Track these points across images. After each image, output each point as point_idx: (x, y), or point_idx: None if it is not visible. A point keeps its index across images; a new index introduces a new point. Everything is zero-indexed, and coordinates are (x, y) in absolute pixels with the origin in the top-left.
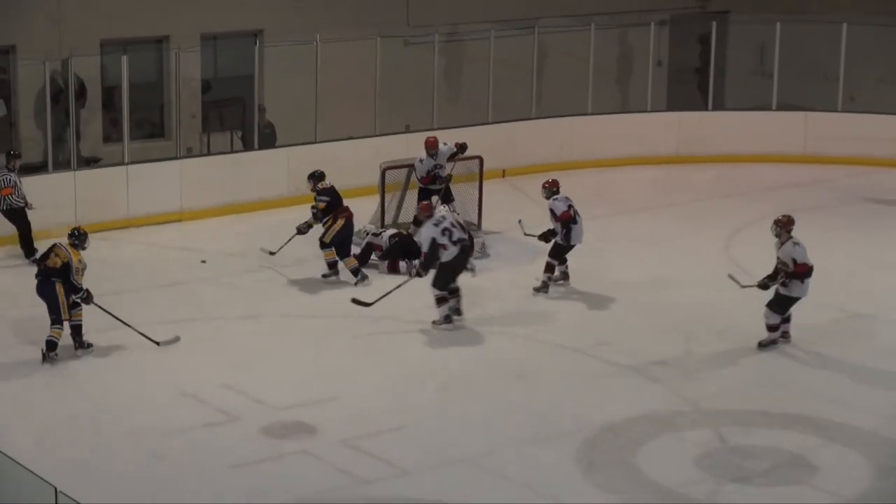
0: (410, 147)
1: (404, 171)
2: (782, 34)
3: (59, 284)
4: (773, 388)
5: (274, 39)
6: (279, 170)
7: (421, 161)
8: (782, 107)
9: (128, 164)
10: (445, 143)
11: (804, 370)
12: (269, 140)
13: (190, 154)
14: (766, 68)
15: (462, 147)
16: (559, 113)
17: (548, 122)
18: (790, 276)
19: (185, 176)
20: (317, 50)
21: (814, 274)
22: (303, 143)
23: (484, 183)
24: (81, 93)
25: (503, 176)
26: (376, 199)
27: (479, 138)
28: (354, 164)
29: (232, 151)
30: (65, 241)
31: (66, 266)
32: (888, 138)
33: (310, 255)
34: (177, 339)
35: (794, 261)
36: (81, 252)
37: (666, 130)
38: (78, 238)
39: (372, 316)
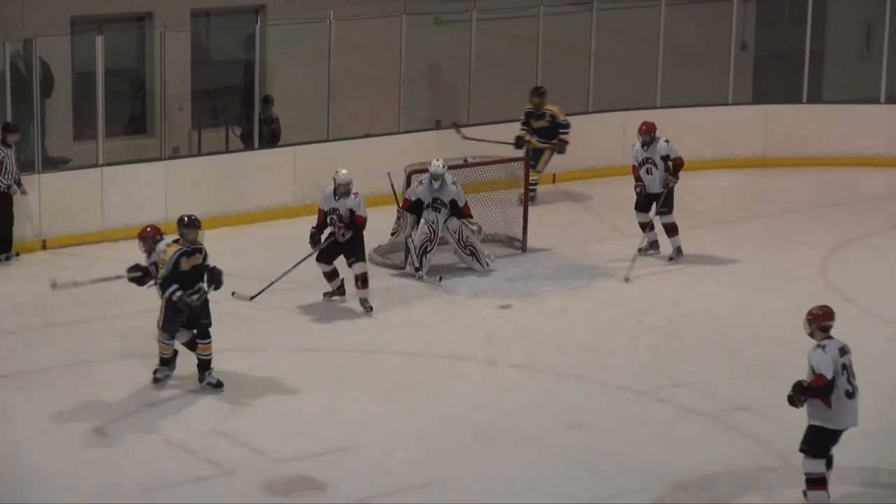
0: (441, 146)
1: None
2: (893, 12)
3: None
4: (883, 440)
5: (278, 17)
6: (284, 173)
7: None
8: (892, 100)
9: (103, 165)
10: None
11: None
12: (273, 137)
13: (177, 154)
14: (872, 53)
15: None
16: (621, 106)
17: (607, 116)
18: (804, 392)
19: (172, 180)
20: (330, 29)
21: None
22: (312, 142)
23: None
24: (47, 80)
25: (554, 182)
26: (392, 210)
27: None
28: (374, 167)
29: (227, 151)
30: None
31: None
32: None
33: (318, 273)
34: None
35: (813, 370)
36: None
37: (751, 127)
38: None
39: (396, 350)
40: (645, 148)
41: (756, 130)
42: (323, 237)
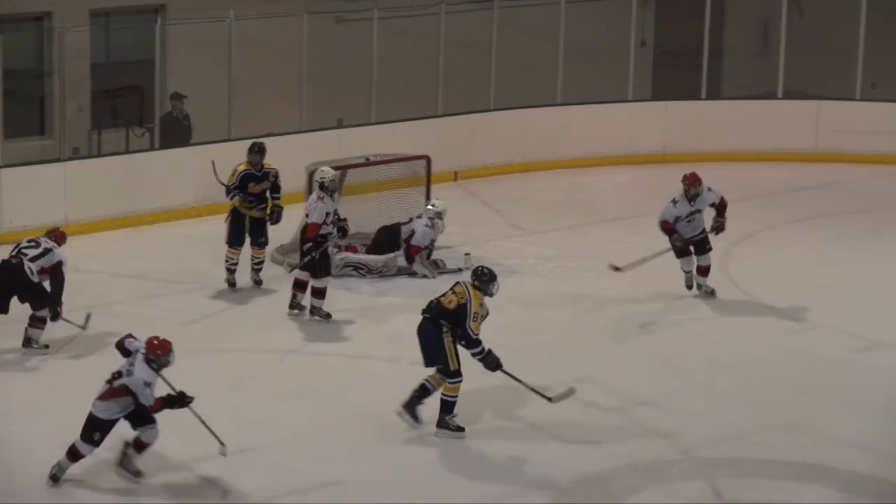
0: (343, 145)
1: (336, 174)
2: (790, 9)
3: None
4: (782, 432)
5: (178, 16)
6: (185, 173)
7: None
8: (790, 95)
9: (1, 167)
10: None
11: (821, 410)
12: (185, 135)
13: (77, 155)
14: (770, 49)
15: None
16: (522, 104)
17: (509, 114)
18: None
19: (71, 181)
20: (230, 29)
21: (831, 296)
22: (214, 142)
23: (432, 188)
24: None
25: (455, 179)
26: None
27: (426, 134)
28: (278, 166)
29: (127, 152)
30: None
31: (462, 308)
32: None
33: (222, 273)
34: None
35: None
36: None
37: (650, 123)
38: (481, 280)
39: (300, 350)
40: (692, 202)
41: (655, 127)
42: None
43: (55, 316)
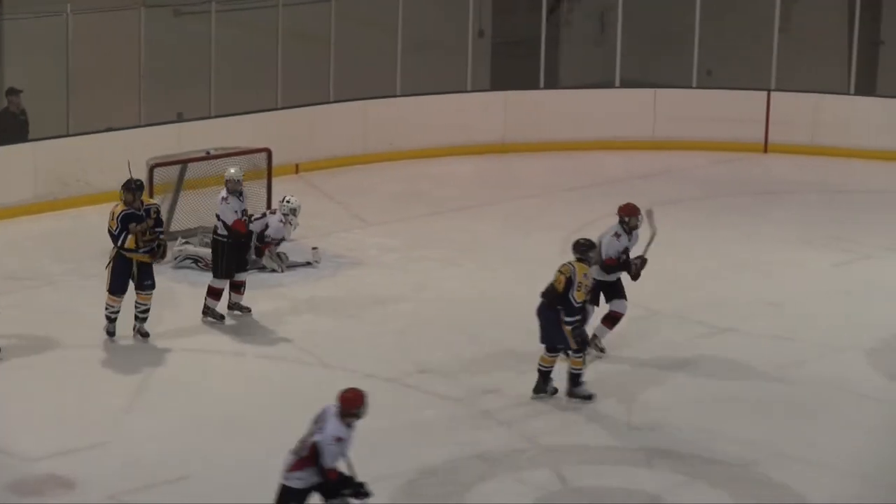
0: (183, 139)
1: (177, 169)
2: None
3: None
4: (624, 418)
5: (15, 10)
6: (24, 169)
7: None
8: (627, 83)
9: None
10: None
11: (662, 396)
12: (22, 130)
13: None
14: (606, 38)
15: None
16: (362, 95)
17: (348, 105)
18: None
19: None
20: (68, 23)
21: (667, 279)
22: (53, 137)
23: (273, 181)
24: None
25: (297, 172)
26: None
27: (266, 127)
28: (117, 161)
29: None
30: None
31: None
32: (752, 119)
33: (65, 269)
34: None
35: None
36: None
37: (490, 113)
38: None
39: (144, 346)
40: (630, 236)
41: (494, 116)
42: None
43: None
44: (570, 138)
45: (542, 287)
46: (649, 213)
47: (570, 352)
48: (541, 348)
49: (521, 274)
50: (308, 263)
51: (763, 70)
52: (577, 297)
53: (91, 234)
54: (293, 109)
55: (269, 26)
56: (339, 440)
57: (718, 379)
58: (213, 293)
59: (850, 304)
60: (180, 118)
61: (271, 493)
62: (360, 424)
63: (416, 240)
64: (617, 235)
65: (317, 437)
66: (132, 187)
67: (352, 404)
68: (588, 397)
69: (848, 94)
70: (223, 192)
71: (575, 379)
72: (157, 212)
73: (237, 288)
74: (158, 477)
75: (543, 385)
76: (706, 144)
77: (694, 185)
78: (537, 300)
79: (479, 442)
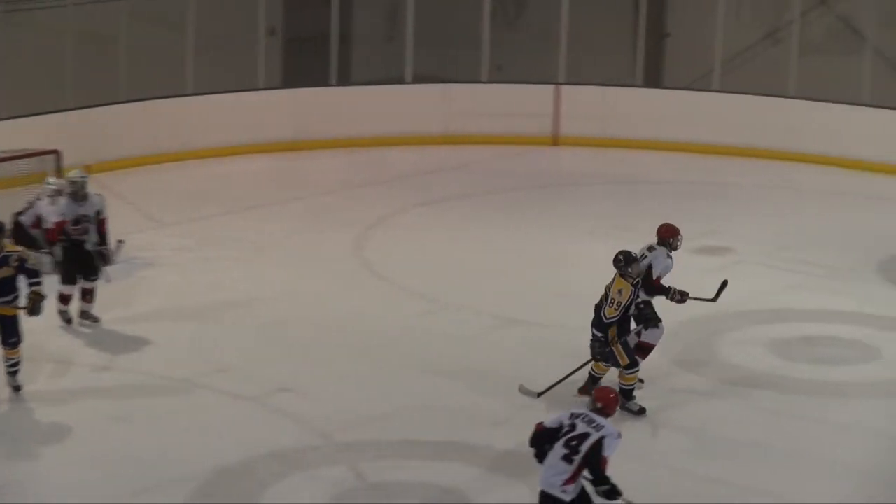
0: None
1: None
2: None
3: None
4: (420, 413)
5: None
6: None
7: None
8: (419, 79)
9: None
10: None
11: (455, 388)
12: None
13: None
14: (397, 34)
15: None
16: (153, 94)
17: (139, 105)
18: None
19: None
20: None
21: (456, 272)
22: None
23: None
24: None
25: (89, 173)
26: None
27: (56, 128)
28: None
29: None
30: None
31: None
32: (541, 113)
33: None
34: None
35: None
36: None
37: (281, 111)
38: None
39: None
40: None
41: (286, 114)
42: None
43: None
44: (362, 134)
45: (334, 283)
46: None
47: (623, 370)
48: None
49: (315, 271)
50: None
51: (552, 64)
52: (607, 312)
53: None
54: (83, 110)
55: (59, 26)
56: (620, 436)
57: (509, 370)
58: (62, 298)
59: None
60: None
61: None
62: (153, 425)
63: (210, 239)
64: (668, 256)
65: (602, 433)
66: None
67: (614, 404)
68: (641, 411)
69: (636, 86)
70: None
71: (625, 394)
72: (21, 259)
73: (85, 296)
74: None
75: (590, 386)
76: (497, 139)
77: (485, 179)
78: (331, 297)
79: (274, 440)
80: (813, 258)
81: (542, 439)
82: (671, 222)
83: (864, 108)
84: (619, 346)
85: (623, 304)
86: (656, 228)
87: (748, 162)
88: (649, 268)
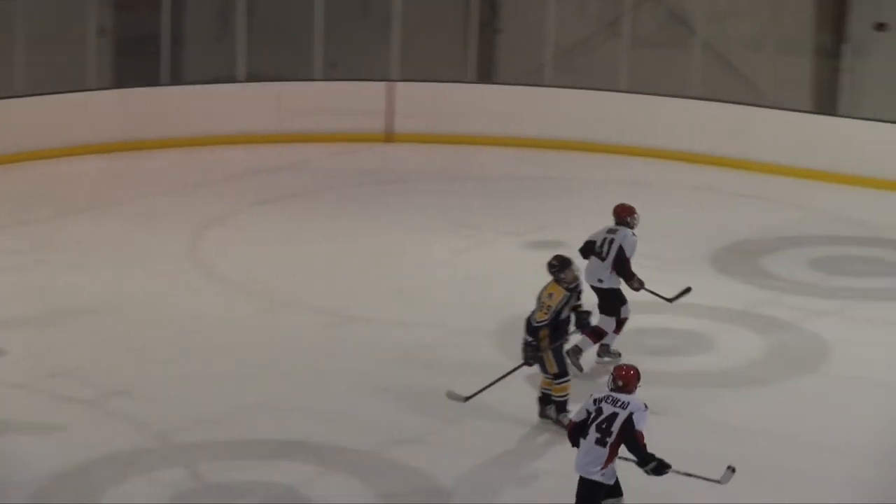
0: None
1: None
2: None
3: None
4: (258, 413)
5: None
6: None
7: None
8: (252, 78)
9: None
10: None
11: (291, 386)
12: None
13: None
14: (228, 33)
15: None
16: None
17: None
18: None
19: None
20: None
21: (301, 274)
22: None
23: None
24: None
25: None
26: None
27: None
28: None
29: None
30: None
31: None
32: (374, 110)
33: None
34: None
35: None
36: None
37: (111, 112)
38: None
39: None
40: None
41: (119, 114)
42: None
43: None
44: (194, 134)
45: (171, 285)
46: None
47: (552, 379)
48: None
49: (152, 273)
50: None
51: (385, 61)
52: (537, 316)
53: None
54: None
55: None
56: (647, 408)
57: (344, 367)
58: None
59: (471, 288)
60: None
61: None
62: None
63: (42, 242)
64: (633, 234)
65: (629, 410)
66: None
67: (635, 379)
68: (558, 422)
69: (469, 82)
70: None
71: (559, 406)
72: None
73: None
74: None
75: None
76: (331, 136)
77: (318, 177)
78: (169, 298)
79: (109, 444)
80: (645, 250)
81: (578, 433)
82: (510, 216)
83: (694, 101)
84: (550, 353)
85: (553, 308)
86: (612, 209)
87: (581, 156)
88: (621, 249)
